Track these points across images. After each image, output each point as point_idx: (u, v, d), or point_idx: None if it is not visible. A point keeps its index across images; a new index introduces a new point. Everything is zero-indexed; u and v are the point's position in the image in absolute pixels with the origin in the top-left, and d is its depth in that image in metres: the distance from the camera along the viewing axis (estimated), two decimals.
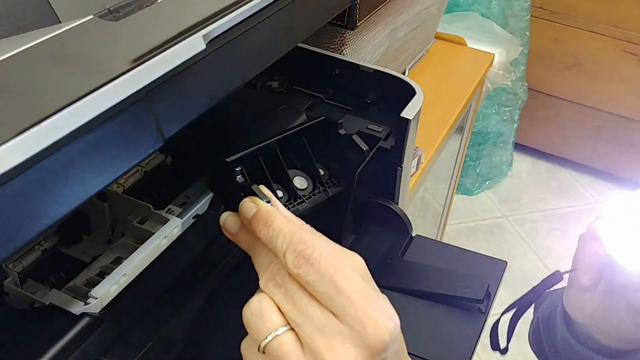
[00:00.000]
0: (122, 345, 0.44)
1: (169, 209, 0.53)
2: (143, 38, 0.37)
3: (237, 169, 0.43)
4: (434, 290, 0.57)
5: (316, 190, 0.51)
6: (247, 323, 0.34)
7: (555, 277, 0.52)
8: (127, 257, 0.47)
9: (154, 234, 0.49)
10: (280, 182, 0.48)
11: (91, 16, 0.38)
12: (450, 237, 1.83)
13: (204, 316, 0.49)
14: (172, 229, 0.50)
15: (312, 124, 0.49)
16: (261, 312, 0.34)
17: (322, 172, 0.52)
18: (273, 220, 0.35)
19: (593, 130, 1.96)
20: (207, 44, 0.38)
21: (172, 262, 0.50)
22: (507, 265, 0.61)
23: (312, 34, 0.57)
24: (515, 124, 1.78)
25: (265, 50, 0.47)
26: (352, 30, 0.78)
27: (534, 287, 0.54)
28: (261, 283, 0.35)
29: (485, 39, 1.31)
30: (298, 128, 0.49)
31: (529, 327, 0.67)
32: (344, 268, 0.33)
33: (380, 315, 0.32)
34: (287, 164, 0.49)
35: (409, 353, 0.37)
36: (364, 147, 0.51)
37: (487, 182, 1.85)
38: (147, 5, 0.40)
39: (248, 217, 0.37)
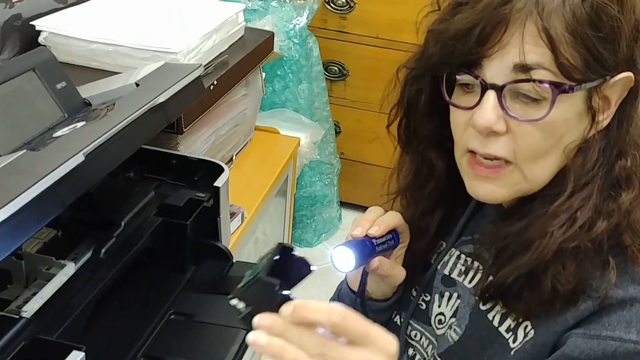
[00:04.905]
0: None
1: (67, 259, 0.82)
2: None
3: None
4: None
5: None
6: None
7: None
8: (39, 291, 0.75)
9: (55, 275, 0.78)
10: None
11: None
12: None
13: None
14: (69, 270, 0.79)
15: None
16: None
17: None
18: (306, 305, 0.50)
19: None
20: (85, 157, 0.69)
21: (70, 294, 0.78)
22: None
23: (154, 138, 0.91)
24: (336, 187, 2.21)
25: (117, 154, 0.80)
26: (181, 134, 1.12)
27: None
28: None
29: (295, 127, 1.73)
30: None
31: None
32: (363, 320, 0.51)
33: (387, 336, 0.52)
34: None
35: None
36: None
37: (323, 235, 2.24)
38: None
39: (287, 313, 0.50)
